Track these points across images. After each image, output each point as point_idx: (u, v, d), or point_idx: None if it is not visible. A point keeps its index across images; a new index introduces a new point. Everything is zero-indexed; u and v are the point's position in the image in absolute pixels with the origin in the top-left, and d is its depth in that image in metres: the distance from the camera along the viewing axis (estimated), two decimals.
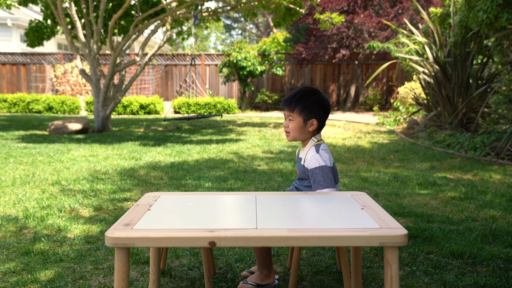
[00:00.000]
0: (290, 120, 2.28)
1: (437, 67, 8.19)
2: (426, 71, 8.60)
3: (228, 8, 10.17)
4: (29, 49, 18.47)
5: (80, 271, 2.49)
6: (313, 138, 2.28)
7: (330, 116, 12.74)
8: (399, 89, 12.26)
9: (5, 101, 14.86)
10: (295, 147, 7.17)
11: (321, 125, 2.30)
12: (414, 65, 9.09)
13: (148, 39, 9.71)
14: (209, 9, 10.37)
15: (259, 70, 13.97)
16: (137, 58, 9.43)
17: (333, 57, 14.57)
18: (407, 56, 9.17)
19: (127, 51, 16.89)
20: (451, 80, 7.92)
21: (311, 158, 2.21)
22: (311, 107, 2.25)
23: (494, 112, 7.28)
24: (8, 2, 9.33)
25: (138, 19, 9.07)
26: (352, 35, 14.03)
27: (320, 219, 1.71)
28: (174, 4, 9.81)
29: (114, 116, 14.08)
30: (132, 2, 10.30)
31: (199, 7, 8.98)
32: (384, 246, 1.56)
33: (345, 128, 10.17)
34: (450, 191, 4.27)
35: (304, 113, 2.25)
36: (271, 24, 23.25)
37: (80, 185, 4.51)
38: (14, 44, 19.79)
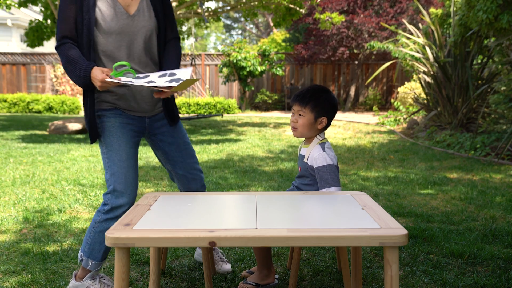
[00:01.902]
0: (300, 115, 2.27)
1: (437, 66, 8.19)
2: (426, 70, 8.60)
3: (228, 8, 10.17)
4: (29, 49, 18.48)
5: None
6: (317, 136, 2.28)
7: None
8: (399, 89, 12.26)
9: (5, 101, 14.86)
10: (296, 147, 7.17)
11: (329, 124, 2.31)
12: (414, 63, 9.09)
13: None
14: (209, 9, 10.37)
15: (259, 70, 13.97)
16: None
17: (333, 55, 14.56)
18: (408, 51, 9.15)
19: None
20: (451, 80, 7.92)
21: (317, 156, 2.21)
22: (322, 105, 2.25)
23: (494, 112, 7.27)
24: (8, 2, 9.32)
25: None
26: (352, 35, 14.03)
27: (320, 219, 1.70)
28: (174, 4, 9.81)
29: None
30: None
31: (203, 8, 9.01)
32: (384, 246, 1.56)
33: (345, 128, 10.17)
34: (450, 191, 4.27)
35: (316, 110, 2.24)
36: (271, 24, 23.24)
37: (80, 185, 4.51)
38: (14, 44, 19.79)
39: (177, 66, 2.26)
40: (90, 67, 2.01)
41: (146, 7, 2.19)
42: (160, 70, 2.27)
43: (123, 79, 1.98)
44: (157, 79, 2.05)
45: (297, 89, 15.19)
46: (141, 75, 2.10)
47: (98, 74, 1.98)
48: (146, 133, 2.30)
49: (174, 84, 1.98)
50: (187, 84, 1.93)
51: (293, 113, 2.32)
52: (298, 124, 2.28)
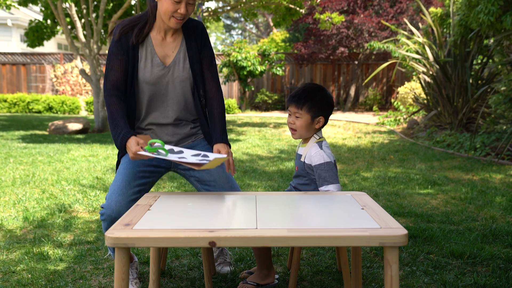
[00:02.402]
0: (297, 117, 2.25)
1: (437, 66, 8.19)
2: (426, 71, 8.60)
3: (228, 8, 10.17)
4: (29, 49, 18.47)
5: (80, 271, 2.49)
6: (315, 135, 2.29)
7: (330, 116, 12.76)
8: (399, 89, 12.26)
9: (5, 101, 14.85)
10: (296, 147, 7.16)
11: (326, 122, 2.30)
12: (414, 64, 9.09)
13: None
14: (209, 9, 10.37)
15: (259, 70, 13.96)
16: None
17: (333, 54, 14.55)
18: (408, 53, 9.16)
19: None
20: (451, 80, 7.92)
21: (315, 154, 2.21)
22: (319, 105, 2.24)
23: (494, 112, 7.27)
24: (8, 2, 9.31)
25: None
26: (352, 35, 14.03)
27: (320, 219, 1.70)
28: None
29: None
30: (133, 2, 10.30)
31: (200, 8, 9.00)
32: (384, 246, 1.56)
33: (345, 128, 10.17)
34: (450, 191, 4.27)
35: (313, 110, 2.24)
36: (271, 24, 23.23)
37: (80, 185, 4.51)
38: (14, 44, 19.79)
39: (221, 127, 2.27)
40: (127, 137, 2.06)
41: (182, 58, 2.25)
42: (200, 122, 2.33)
43: (155, 155, 2.01)
44: (189, 157, 2.07)
45: None
46: (175, 149, 2.11)
47: (132, 146, 2.02)
48: (172, 167, 2.33)
49: (204, 161, 2.00)
50: (215, 162, 1.96)
51: (289, 114, 2.30)
52: (296, 126, 2.27)
